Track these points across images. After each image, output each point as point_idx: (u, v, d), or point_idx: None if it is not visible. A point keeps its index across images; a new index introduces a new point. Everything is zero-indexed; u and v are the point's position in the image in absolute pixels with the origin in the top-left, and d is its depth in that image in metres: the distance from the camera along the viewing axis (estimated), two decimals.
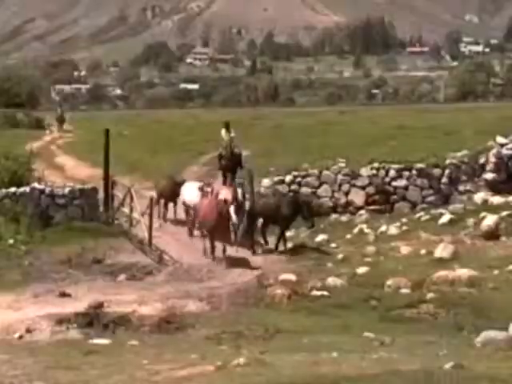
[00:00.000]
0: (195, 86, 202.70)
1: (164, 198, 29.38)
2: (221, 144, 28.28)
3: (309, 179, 28.81)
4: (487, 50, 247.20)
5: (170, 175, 30.15)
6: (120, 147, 29.25)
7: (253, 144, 34.09)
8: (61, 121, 71.36)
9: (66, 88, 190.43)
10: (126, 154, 31.90)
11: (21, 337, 15.27)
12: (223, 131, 28.20)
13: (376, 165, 28.24)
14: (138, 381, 10.23)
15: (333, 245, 23.42)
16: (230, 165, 27.46)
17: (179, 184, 28.14)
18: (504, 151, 26.96)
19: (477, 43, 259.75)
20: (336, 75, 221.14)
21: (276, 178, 28.99)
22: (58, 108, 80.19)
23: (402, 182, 27.52)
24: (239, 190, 25.42)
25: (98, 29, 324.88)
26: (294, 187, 28.63)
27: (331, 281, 18.62)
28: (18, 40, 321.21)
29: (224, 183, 26.92)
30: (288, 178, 28.85)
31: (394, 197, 27.51)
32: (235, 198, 22.97)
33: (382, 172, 27.90)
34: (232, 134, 28.26)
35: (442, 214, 24.33)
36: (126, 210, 28.18)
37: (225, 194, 22.69)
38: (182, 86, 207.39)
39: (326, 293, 17.70)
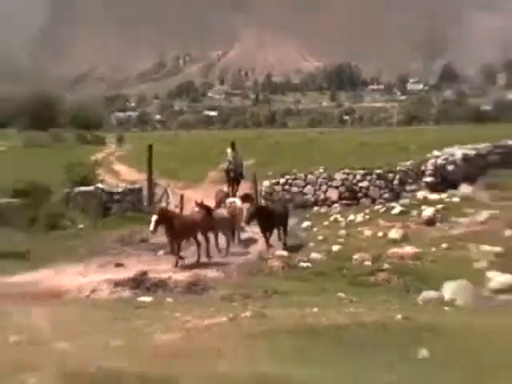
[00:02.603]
0: (214, 113, 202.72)
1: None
2: (227, 159, 28.14)
3: (297, 181, 29.07)
4: (426, 87, 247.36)
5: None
6: (158, 158, 29.28)
7: (256, 156, 34.10)
8: (118, 139, 71.86)
9: (121, 115, 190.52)
10: (162, 162, 31.86)
11: (88, 296, 15.34)
12: (229, 149, 28.06)
13: (346, 171, 28.52)
14: (172, 328, 10.25)
15: (315, 229, 23.52)
16: (235, 177, 27.28)
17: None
18: (438, 161, 27.14)
19: (419, 83, 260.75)
20: (317, 105, 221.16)
21: (273, 180, 29.28)
22: (116, 130, 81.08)
23: (365, 183, 27.74)
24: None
25: (144, 72, 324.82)
26: (286, 187, 28.94)
27: (313, 256, 18.70)
28: (88, 80, 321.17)
29: (232, 192, 26.47)
30: (282, 180, 29.20)
31: (360, 194, 27.75)
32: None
33: (351, 176, 28.14)
34: (237, 151, 28.05)
35: (394, 207, 24.48)
36: (163, 203, 28.23)
37: (238, 202, 22.62)
38: (205, 113, 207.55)
39: (309, 264, 17.77)
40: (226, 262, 19.00)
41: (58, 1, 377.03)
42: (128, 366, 7.29)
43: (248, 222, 21.03)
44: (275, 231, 21.79)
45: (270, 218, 20.80)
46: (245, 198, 23.62)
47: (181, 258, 19.05)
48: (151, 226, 18.28)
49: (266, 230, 20.99)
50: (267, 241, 20.89)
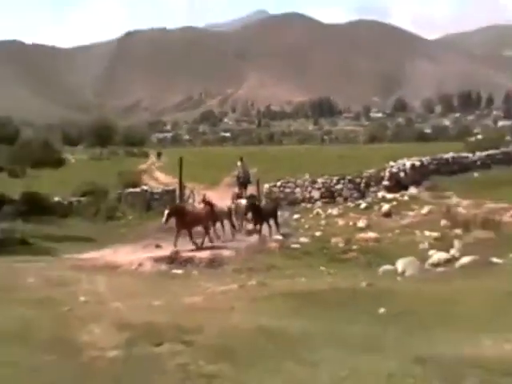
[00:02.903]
0: (228, 134, 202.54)
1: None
2: (237, 169, 27.94)
3: (289, 184, 28.85)
4: (384, 115, 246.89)
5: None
6: (186, 167, 29.24)
7: (259, 165, 34.01)
8: (158, 154, 71.90)
9: (160, 135, 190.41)
10: (189, 170, 31.83)
11: (135, 269, 15.32)
12: (239, 162, 27.85)
13: (326, 176, 28.33)
14: (197, 292, 10.26)
15: (302, 220, 23.41)
16: (243, 182, 27.10)
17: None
18: (393, 170, 27.01)
19: (379, 112, 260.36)
20: (304, 128, 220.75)
21: (272, 184, 29.12)
22: (156, 147, 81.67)
23: (339, 186, 27.54)
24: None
25: (177, 103, 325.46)
26: (281, 189, 28.81)
27: (302, 239, 18.62)
28: (134, 109, 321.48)
29: (240, 195, 26.31)
30: (278, 184, 28.98)
31: (335, 194, 27.53)
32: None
33: (329, 180, 27.93)
34: (244, 163, 27.85)
35: (360, 204, 24.34)
36: (190, 201, 28.20)
37: (244, 202, 22.27)
38: (221, 134, 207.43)
39: (299, 246, 17.70)
40: (237, 245, 18.87)
41: (117, 50, 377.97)
42: (166, 319, 7.32)
43: (245, 215, 20.26)
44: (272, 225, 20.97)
45: (259, 212, 19.91)
46: (249, 198, 23.42)
47: (195, 243, 17.95)
48: (163, 219, 17.59)
49: (257, 222, 20.03)
50: (260, 231, 19.91)
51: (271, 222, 20.55)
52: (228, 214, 20.48)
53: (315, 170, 31.99)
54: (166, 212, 17.56)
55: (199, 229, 18.88)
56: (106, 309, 8.55)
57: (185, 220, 17.54)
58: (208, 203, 19.56)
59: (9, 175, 29.73)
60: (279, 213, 22.47)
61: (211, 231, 19.28)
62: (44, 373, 5.22)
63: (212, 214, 19.07)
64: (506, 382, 4.84)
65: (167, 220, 17.53)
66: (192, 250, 17.44)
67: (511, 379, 4.91)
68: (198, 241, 18.22)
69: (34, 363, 5.49)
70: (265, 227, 20.73)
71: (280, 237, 19.48)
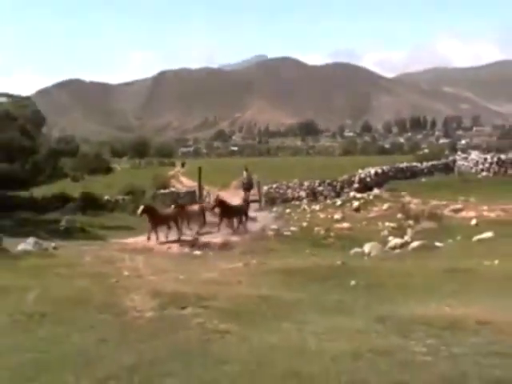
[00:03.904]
0: (236, 148, 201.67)
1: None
2: (243, 176, 27.56)
3: (282, 186, 28.55)
4: (355, 135, 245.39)
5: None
6: (204, 173, 29.14)
7: (259, 172, 33.82)
8: (182, 163, 71.60)
9: (184, 149, 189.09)
10: (206, 176, 31.75)
11: (166, 251, 15.25)
12: (244, 172, 27.24)
13: (310, 180, 28.07)
14: (212, 269, 10.24)
15: (292, 214, 23.16)
16: (248, 187, 26.73)
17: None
18: (361, 175, 26.88)
19: (350, 132, 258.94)
20: (294, 144, 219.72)
21: (269, 186, 28.86)
22: (181, 158, 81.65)
23: (320, 188, 27.32)
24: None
25: (196, 125, 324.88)
26: (276, 190, 28.55)
27: (292, 228, 18.46)
28: (165, 129, 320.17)
29: (246, 196, 25.76)
30: (274, 186, 28.68)
31: (317, 194, 27.32)
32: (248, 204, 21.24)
33: (313, 183, 27.70)
34: (248, 172, 27.50)
35: (336, 201, 24.14)
36: (207, 199, 28.03)
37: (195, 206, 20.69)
38: (231, 148, 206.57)
39: (290, 233, 17.56)
40: (243, 233, 18.54)
41: (152, 85, 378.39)
42: (188, 289, 7.31)
43: (212, 209, 18.31)
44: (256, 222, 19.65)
45: (227, 209, 18.03)
46: (250, 201, 22.32)
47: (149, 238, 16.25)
48: (139, 211, 16.22)
49: (223, 217, 17.95)
50: (231, 226, 18.03)
51: (242, 218, 18.73)
52: (199, 213, 18.60)
53: (302, 175, 31.91)
54: (142, 208, 16.41)
55: (214, 222, 18.01)
56: (144, 281, 8.54)
57: (154, 218, 16.26)
58: (179, 205, 18.06)
59: (71, 180, 29.70)
60: (254, 214, 21.69)
61: (193, 227, 17.94)
62: (98, 328, 5.24)
63: (180, 215, 17.45)
64: (445, 334, 4.85)
65: (141, 214, 16.24)
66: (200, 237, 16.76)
67: (449, 332, 4.92)
68: (195, 232, 17.36)
69: (90, 321, 5.50)
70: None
71: (276, 226, 19.20)
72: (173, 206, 17.90)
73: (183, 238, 16.65)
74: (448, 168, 28.61)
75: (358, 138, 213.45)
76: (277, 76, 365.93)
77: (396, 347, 4.43)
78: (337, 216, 20.34)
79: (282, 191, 28.45)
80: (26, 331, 5.09)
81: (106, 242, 16.37)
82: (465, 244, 12.71)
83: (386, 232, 16.42)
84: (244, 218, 18.88)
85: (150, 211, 16.48)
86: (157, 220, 16.46)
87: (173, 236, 17.02)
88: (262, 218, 21.88)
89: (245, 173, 27.44)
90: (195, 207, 19.01)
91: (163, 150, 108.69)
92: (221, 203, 18.10)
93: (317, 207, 23.58)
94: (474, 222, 15.66)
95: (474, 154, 29.59)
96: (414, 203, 20.50)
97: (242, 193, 26.31)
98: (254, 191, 27.54)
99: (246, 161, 51.29)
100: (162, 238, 16.21)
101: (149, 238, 15.97)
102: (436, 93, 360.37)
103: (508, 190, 20.52)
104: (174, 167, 69.67)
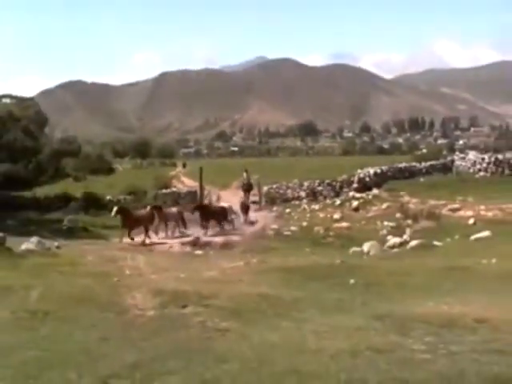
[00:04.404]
0: (236, 149, 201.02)
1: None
2: (243, 178, 27.15)
3: (282, 186, 28.47)
4: (354, 135, 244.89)
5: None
6: (205, 173, 29.07)
7: (260, 172, 33.76)
8: (183, 164, 71.38)
9: (185, 150, 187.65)
10: (207, 176, 31.73)
11: (167, 249, 15.26)
12: (244, 173, 26.98)
13: (310, 180, 28.01)
14: (213, 268, 10.24)
15: (292, 213, 23.16)
16: (248, 188, 26.65)
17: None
18: (360, 175, 26.85)
19: (349, 132, 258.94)
20: (293, 145, 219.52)
21: (269, 186, 28.81)
22: (182, 159, 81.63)
23: (320, 188, 27.27)
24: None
25: (197, 126, 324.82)
26: (276, 190, 28.43)
27: (292, 228, 18.51)
28: (167, 130, 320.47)
29: (245, 198, 24.75)
30: (274, 186, 28.59)
31: (317, 194, 27.24)
32: (248, 205, 21.50)
33: (312, 183, 27.67)
34: (248, 173, 27.00)
35: (336, 201, 24.12)
36: (208, 199, 27.97)
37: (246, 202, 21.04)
38: (231, 149, 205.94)
39: (290, 233, 17.61)
40: (243, 231, 18.62)
41: (153, 86, 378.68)
42: (189, 288, 7.31)
43: (192, 212, 17.89)
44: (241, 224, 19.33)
45: (207, 213, 17.60)
46: (245, 207, 21.42)
47: (132, 238, 15.90)
48: (113, 213, 15.92)
49: (203, 220, 17.59)
50: (206, 228, 17.46)
51: (221, 220, 18.21)
52: (178, 216, 18.14)
53: (302, 175, 31.90)
54: (115, 209, 16.14)
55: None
56: (145, 280, 8.54)
57: (128, 220, 15.93)
58: (156, 208, 17.68)
59: (74, 180, 29.68)
60: (255, 214, 21.58)
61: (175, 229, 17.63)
62: (100, 326, 5.24)
63: (154, 217, 17.02)
64: (443, 332, 4.85)
65: (115, 215, 15.92)
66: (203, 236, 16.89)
67: (447, 329, 4.91)
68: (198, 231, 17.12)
69: (92, 319, 5.50)
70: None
71: (276, 225, 19.19)
72: (148, 208, 17.45)
73: (155, 240, 16.07)
74: (446, 168, 28.60)
75: (357, 139, 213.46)
76: (277, 77, 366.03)
77: (395, 345, 4.42)
78: (336, 215, 20.32)
79: (281, 191, 28.36)
80: (28, 329, 5.09)
81: (108, 242, 16.37)
82: (463, 243, 12.71)
83: (384, 231, 16.41)
84: (226, 221, 18.32)
85: (123, 212, 16.12)
86: (130, 221, 16.04)
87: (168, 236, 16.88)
88: (262, 218, 21.88)
89: (245, 174, 27.34)
90: (173, 210, 18.57)
91: (164, 151, 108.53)
92: (200, 206, 17.68)
93: (316, 207, 23.56)
94: (471, 221, 15.66)
95: (472, 155, 29.53)
96: (413, 203, 20.49)
97: (242, 193, 26.30)
98: (254, 191, 27.52)
99: (246, 161, 51.31)
100: (138, 239, 15.78)
101: (120, 241, 15.48)
102: (434, 94, 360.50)
103: (505, 190, 20.52)
104: (175, 168, 69.49)
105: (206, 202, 26.01)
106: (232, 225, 19.01)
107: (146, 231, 16.46)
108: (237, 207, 20.77)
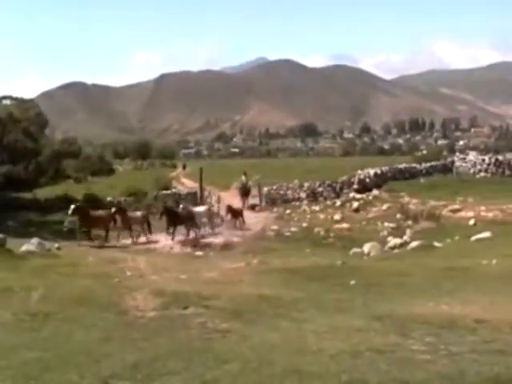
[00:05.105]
0: (236, 150, 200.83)
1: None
2: (241, 181, 26.80)
3: (283, 187, 28.30)
4: (354, 136, 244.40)
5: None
6: (205, 174, 29.08)
7: (260, 173, 33.74)
8: (183, 165, 71.37)
9: (185, 151, 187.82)
10: (207, 177, 31.69)
11: (168, 251, 15.27)
12: (243, 176, 26.91)
13: (310, 181, 27.92)
14: (213, 269, 10.24)
15: (293, 214, 23.15)
16: (245, 192, 26.29)
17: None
18: (361, 176, 26.81)
19: (350, 133, 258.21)
20: (294, 146, 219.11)
21: (270, 187, 28.74)
22: (182, 160, 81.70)
23: (320, 189, 27.16)
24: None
25: (198, 127, 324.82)
26: (276, 191, 28.29)
27: (292, 229, 18.53)
28: (167, 132, 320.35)
29: (243, 202, 25.12)
30: (274, 187, 28.49)
31: (317, 195, 27.12)
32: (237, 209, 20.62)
33: (313, 184, 27.54)
34: (247, 177, 27.01)
35: (336, 202, 24.12)
36: (208, 200, 27.99)
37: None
38: (231, 150, 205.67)
39: (290, 234, 17.62)
40: (243, 233, 18.51)
41: (154, 87, 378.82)
42: (190, 289, 7.31)
43: (159, 218, 17.37)
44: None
45: (174, 218, 16.88)
46: (232, 210, 20.69)
47: (91, 239, 15.56)
48: (69, 211, 15.39)
49: (169, 225, 16.86)
50: (173, 233, 16.65)
51: (189, 225, 17.41)
52: (142, 219, 17.64)
53: (302, 176, 31.87)
54: (72, 207, 15.49)
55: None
56: (146, 281, 8.55)
57: (85, 220, 15.44)
58: (120, 210, 17.23)
59: (74, 181, 29.78)
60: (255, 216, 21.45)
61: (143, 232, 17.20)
62: (101, 327, 5.24)
63: (112, 218, 16.54)
64: (443, 332, 4.84)
65: (73, 214, 15.38)
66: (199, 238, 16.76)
67: (447, 330, 4.91)
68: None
69: (93, 320, 5.51)
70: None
71: (276, 226, 19.22)
72: (113, 209, 17.02)
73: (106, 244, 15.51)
74: (446, 169, 28.59)
75: (358, 140, 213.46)
76: (277, 78, 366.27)
77: (395, 346, 4.43)
78: (336, 216, 20.32)
79: (282, 192, 28.27)
80: (29, 330, 5.10)
81: (108, 243, 16.39)
82: (463, 244, 12.72)
83: (385, 232, 16.42)
84: (194, 226, 17.63)
85: (80, 211, 15.41)
86: (87, 221, 15.48)
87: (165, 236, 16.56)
88: (262, 219, 21.87)
89: (243, 177, 27.15)
90: (138, 213, 18.11)
91: (165, 152, 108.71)
92: (167, 211, 17.13)
93: (317, 208, 23.55)
94: (471, 222, 15.68)
95: (472, 155, 29.57)
96: (413, 204, 20.50)
97: (242, 195, 26.27)
98: (254, 192, 27.49)
99: (246, 162, 51.25)
100: (96, 242, 15.49)
101: (79, 244, 14.96)
102: (434, 94, 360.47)
103: (505, 191, 20.53)
104: (175, 169, 69.55)
105: (206, 202, 26.02)
106: (212, 228, 18.38)
107: (106, 232, 15.91)
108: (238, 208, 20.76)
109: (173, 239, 16.39)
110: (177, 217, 17.06)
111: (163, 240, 16.70)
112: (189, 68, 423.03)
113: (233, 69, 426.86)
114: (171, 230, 16.77)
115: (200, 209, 19.07)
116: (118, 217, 16.72)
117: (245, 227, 19.58)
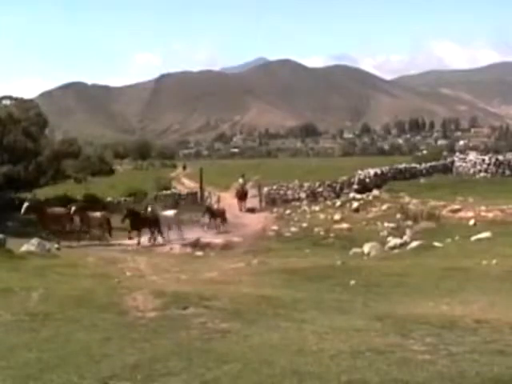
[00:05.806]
0: (236, 150, 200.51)
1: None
2: (239, 184, 26.80)
3: (283, 187, 28.23)
4: (354, 136, 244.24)
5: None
6: (205, 175, 29.05)
7: (260, 173, 33.77)
8: (183, 165, 71.31)
9: (185, 151, 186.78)
10: (208, 177, 31.66)
11: (168, 251, 15.26)
12: (240, 179, 26.85)
13: (310, 182, 27.93)
14: (213, 269, 10.24)
15: (293, 214, 23.15)
16: (241, 196, 26.00)
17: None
18: (361, 176, 26.81)
19: (350, 133, 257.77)
20: (294, 146, 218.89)
21: (270, 187, 28.69)
22: (182, 160, 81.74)
23: (320, 189, 27.15)
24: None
25: (198, 127, 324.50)
26: (276, 191, 28.23)
27: (292, 229, 18.55)
28: (167, 132, 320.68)
29: (240, 205, 25.21)
30: (274, 187, 28.43)
31: (317, 195, 27.09)
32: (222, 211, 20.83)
33: (313, 184, 27.54)
34: (245, 180, 26.98)
35: (336, 202, 24.12)
36: (208, 200, 28.02)
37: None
38: (231, 150, 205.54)
39: (290, 234, 17.63)
40: (244, 232, 18.56)
41: (154, 88, 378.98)
42: (190, 289, 7.31)
43: (122, 221, 16.80)
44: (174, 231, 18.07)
45: (138, 221, 16.46)
46: (211, 211, 20.88)
47: (49, 235, 15.07)
48: (22, 210, 15.00)
49: (133, 229, 16.45)
50: (138, 236, 16.34)
51: (153, 229, 17.13)
52: (101, 220, 17.42)
53: (302, 176, 31.84)
54: (25, 205, 15.05)
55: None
56: (146, 281, 8.55)
57: (42, 219, 15.03)
58: (80, 210, 16.86)
59: (74, 181, 29.78)
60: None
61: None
62: (100, 327, 5.24)
63: (69, 217, 16.20)
64: (443, 332, 4.84)
65: (25, 213, 14.96)
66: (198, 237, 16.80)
67: (447, 330, 4.91)
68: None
69: (93, 321, 5.50)
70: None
71: (276, 227, 19.27)
72: (73, 208, 16.60)
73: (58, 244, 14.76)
74: (446, 169, 28.60)
75: (358, 140, 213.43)
76: (277, 78, 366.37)
77: (395, 346, 4.42)
78: (336, 217, 20.33)
79: (282, 192, 28.25)
80: (29, 331, 5.10)
81: (108, 243, 16.37)
82: (463, 244, 12.71)
83: (385, 232, 16.43)
84: (158, 230, 17.34)
85: (35, 210, 14.91)
86: (45, 220, 15.03)
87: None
88: (262, 219, 21.88)
89: (241, 180, 27.04)
90: (97, 214, 17.84)
91: (165, 152, 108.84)
92: (131, 214, 16.70)
93: (317, 208, 23.55)
94: (471, 222, 15.68)
95: (472, 155, 29.55)
96: (413, 204, 20.51)
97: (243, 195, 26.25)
98: (254, 193, 27.48)
99: (246, 162, 51.25)
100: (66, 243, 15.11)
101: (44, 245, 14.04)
102: (434, 95, 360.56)
103: (505, 191, 20.53)
104: (175, 169, 69.54)
105: (206, 203, 26.01)
106: (181, 234, 17.71)
107: (63, 229, 15.44)
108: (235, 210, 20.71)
109: (138, 244, 15.90)
110: (140, 220, 16.53)
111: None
112: (189, 68, 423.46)
113: (233, 69, 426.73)
114: (133, 234, 16.28)
115: (168, 213, 18.67)
116: (76, 217, 16.30)
117: (224, 229, 19.35)
